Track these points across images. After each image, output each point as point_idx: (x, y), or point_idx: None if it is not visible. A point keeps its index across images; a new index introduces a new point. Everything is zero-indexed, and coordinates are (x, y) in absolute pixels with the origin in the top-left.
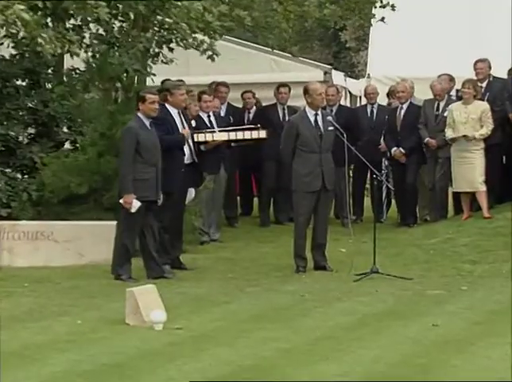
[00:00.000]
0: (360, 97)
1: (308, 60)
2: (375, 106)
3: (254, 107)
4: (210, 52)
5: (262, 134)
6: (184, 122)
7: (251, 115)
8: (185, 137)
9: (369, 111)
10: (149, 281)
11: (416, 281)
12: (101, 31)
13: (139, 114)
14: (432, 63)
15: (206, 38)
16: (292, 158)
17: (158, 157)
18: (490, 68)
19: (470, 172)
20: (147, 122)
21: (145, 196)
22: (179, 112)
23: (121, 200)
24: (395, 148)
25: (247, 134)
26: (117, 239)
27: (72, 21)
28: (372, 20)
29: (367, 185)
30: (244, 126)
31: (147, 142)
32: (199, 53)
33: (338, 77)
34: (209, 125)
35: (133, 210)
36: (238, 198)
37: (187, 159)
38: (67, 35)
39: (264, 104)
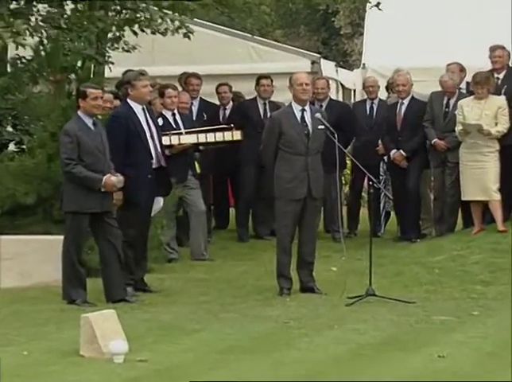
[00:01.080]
0: (354, 91)
1: (293, 48)
2: (375, 102)
3: (231, 103)
4: (183, 31)
5: (237, 135)
6: (150, 121)
7: (228, 112)
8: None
9: (368, 107)
10: (108, 305)
11: (420, 305)
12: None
13: (79, 112)
14: (437, 51)
15: (176, 15)
16: (275, 161)
17: (105, 161)
18: (509, 57)
19: (482, 177)
20: (89, 122)
21: (89, 208)
22: (143, 108)
23: (102, 189)
24: (394, 150)
25: (219, 136)
26: (64, 256)
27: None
28: (367, 5)
29: (363, 194)
30: (215, 127)
31: (89, 145)
32: (165, 39)
33: (328, 67)
34: (174, 125)
35: (119, 185)
36: (212, 208)
37: (154, 163)
38: (13, 24)
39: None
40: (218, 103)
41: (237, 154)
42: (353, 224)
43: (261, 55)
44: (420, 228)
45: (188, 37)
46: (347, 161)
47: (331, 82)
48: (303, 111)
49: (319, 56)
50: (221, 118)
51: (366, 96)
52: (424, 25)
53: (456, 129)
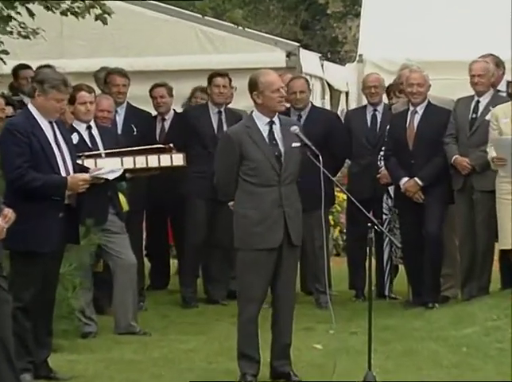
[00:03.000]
0: (347, 93)
1: (261, 34)
2: (379, 109)
3: (172, 112)
4: (98, 11)
5: (178, 159)
6: (60, 137)
7: (167, 124)
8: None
9: (369, 116)
10: None
11: None
12: None
13: None
14: (461, 40)
15: None
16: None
17: None
18: None
19: None
20: None
21: None
22: (51, 121)
23: None
24: (406, 178)
25: (153, 160)
26: None
27: None
28: None
29: None
30: (148, 147)
31: None
32: (79, 22)
33: (310, 61)
34: (90, 143)
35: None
36: (146, 260)
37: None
38: None
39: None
40: (153, 111)
41: (180, 184)
42: (359, 282)
43: (216, 43)
44: (441, 289)
45: (104, 21)
46: (337, 194)
47: (313, 81)
48: (271, 124)
49: (297, 44)
50: (158, 132)
51: (365, 101)
52: (442, 4)
53: (489, 155)
